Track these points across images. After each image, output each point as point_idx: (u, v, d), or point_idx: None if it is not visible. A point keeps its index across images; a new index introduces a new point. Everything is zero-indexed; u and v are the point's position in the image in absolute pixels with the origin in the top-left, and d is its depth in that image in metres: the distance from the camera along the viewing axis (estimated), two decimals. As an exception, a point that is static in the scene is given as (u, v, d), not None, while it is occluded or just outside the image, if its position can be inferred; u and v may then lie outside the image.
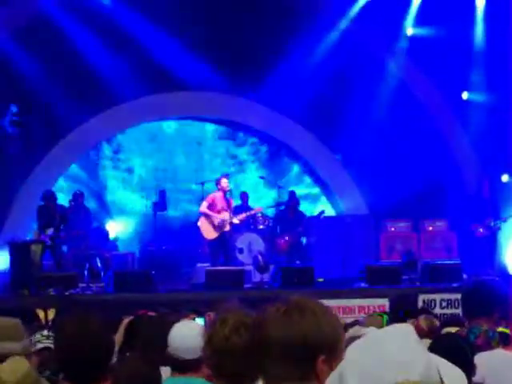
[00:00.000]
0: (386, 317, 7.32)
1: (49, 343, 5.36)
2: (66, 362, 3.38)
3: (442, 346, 3.64)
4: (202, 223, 14.66)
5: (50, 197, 14.31)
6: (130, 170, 17.93)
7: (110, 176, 17.83)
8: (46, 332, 5.78)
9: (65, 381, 3.40)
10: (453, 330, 5.24)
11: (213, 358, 3.14)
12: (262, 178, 17.46)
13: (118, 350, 5.51)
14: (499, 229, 14.93)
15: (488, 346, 4.25)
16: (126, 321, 6.19)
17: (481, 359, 2.99)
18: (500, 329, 4.73)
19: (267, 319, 2.21)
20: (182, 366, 3.97)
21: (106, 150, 17.83)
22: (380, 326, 5.33)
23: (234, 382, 3.05)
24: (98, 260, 14.75)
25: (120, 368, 3.83)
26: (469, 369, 3.33)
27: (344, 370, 1.70)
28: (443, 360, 1.79)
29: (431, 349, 3.44)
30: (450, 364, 1.81)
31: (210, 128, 18.39)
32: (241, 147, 18.47)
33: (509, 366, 2.99)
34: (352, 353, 1.73)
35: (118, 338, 5.81)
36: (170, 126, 18.20)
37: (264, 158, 18.50)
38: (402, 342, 1.71)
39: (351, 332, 4.73)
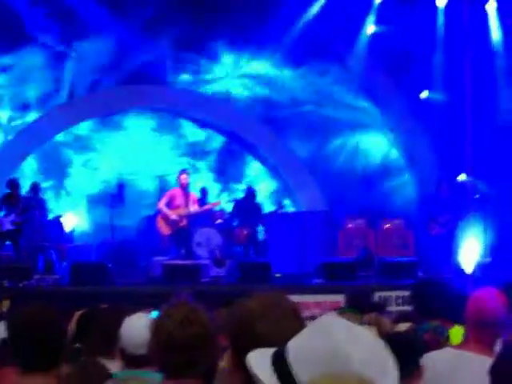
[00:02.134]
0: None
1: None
2: (18, 349, 3.36)
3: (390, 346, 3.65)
4: (159, 220, 14.74)
5: (15, 185, 14.27)
6: (89, 161, 17.81)
7: (70, 167, 17.71)
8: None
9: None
10: (405, 325, 5.27)
11: (157, 352, 3.12)
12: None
13: (69, 342, 5.48)
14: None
15: (436, 342, 4.28)
16: (77, 313, 6.15)
17: (426, 360, 3.00)
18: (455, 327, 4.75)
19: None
20: (133, 361, 3.93)
21: (68, 139, 17.69)
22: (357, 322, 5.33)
23: (178, 377, 3.04)
24: (53, 252, 14.64)
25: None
26: (412, 369, 3.34)
27: (341, 342, 1.68)
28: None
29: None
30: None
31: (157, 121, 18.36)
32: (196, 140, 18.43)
33: (456, 365, 3.01)
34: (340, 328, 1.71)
35: (70, 330, 5.77)
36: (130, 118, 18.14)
37: (221, 155, 18.48)
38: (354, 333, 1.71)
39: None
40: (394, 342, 3.68)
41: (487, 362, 2.60)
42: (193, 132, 18.29)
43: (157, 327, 3.17)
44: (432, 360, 3.03)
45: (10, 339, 3.51)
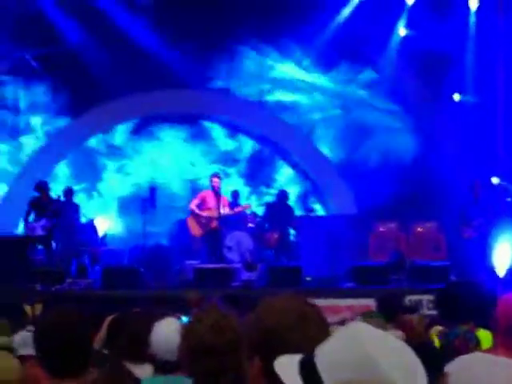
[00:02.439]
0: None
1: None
2: (43, 353, 3.37)
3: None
4: (190, 220, 14.84)
5: (43, 187, 14.26)
6: (122, 167, 17.94)
7: (103, 172, 17.84)
8: (30, 327, 5.76)
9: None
10: (437, 329, 5.24)
11: (187, 357, 3.13)
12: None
13: (101, 348, 5.50)
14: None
15: (466, 348, 4.25)
16: (108, 318, 6.17)
17: (455, 365, 2.98)
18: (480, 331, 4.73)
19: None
20: (164, 367, 3.93)
21: (101, 145, 17.83)
22: (381, 327, 5.31)
23: (207, 382, 3.05)
24: (86, 256, 14.73)
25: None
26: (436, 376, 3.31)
27: (372, 351, 1.67)
28: None
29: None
30: None
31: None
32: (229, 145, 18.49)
33: (485, 371, 2.98)
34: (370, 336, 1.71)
35: (101, 335, 5.79)
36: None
37: (251, 162, 18.52)
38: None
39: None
40: (418, 348, 3.67)
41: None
42: (224, 142, 18.36)
43: (187, 332, 3.18)
44: (461, 366, 3.00)
45: (36, 342, 3.52)
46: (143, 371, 4.16)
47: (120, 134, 17.90)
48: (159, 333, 3.98)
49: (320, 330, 2.15)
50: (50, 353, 3.29)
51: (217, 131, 18.32)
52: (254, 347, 2.15)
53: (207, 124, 18.30)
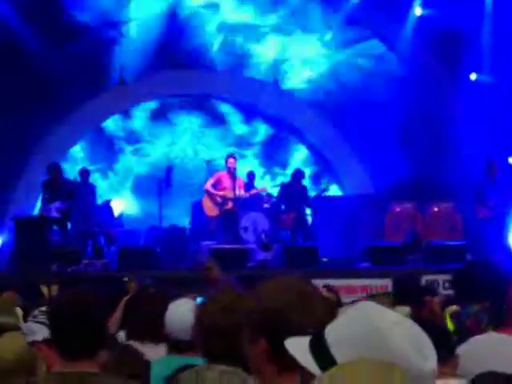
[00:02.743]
0: (390, 299, 7.26)
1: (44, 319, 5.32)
2: (56, 332, 3.36)
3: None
4: (205, 200, 14.89)
5: (55, 170, 14.26)
6: (139, 150, 18.02)
7: (120, 153, 17.92)
8: (44, 308, 5.75)
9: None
10: (452, 309, 5.23)
11: (201, 337, 3.13)
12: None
13: (117, 328, 5.52)
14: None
15: (477, 328, 4.23)
16: (125, 298, 6.20)
17: (469, 345, 2.96)
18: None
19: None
20: (178, 346, 3.95)
21: (118, 131, 17.92)
22: (388, 305, 5.31)
23: (218, 362, 3.05)
24: (101, 237, 14.77)
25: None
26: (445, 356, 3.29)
27: (383, 324, 1.68)
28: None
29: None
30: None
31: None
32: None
33: (499, 349, 2.95)
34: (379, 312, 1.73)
35: (117, 315, 5.82)
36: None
37: (266, 144, 18.54)
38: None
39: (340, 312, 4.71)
40: (429, 328, 3.65)
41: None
42: (239, 127, 18.39)
43: (201, 313, 3.19)
44: (473, 346, 2.99)
45: (50, 321, 3.52)
46: (157, 352, 4.18)
47: (138, 119, 17.95)
48: (173, 312, 4.01)
49: (323, 309, 2.17)
50: (63, 332, 3.27)
51: (232, 116, 18.34)
52: (257, 328, 2.14)
53: (222, 108, 18.33)
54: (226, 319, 3.03)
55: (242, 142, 18.31)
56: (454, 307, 5.26)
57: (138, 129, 18.05)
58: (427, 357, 1.66)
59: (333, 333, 1.73)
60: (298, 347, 1.78)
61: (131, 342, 4.54)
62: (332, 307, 2.24)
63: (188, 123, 18.22)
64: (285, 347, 1.92)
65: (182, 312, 3.95)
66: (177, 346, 3.96)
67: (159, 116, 18.13)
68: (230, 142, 18.23)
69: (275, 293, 2.19)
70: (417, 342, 1.67)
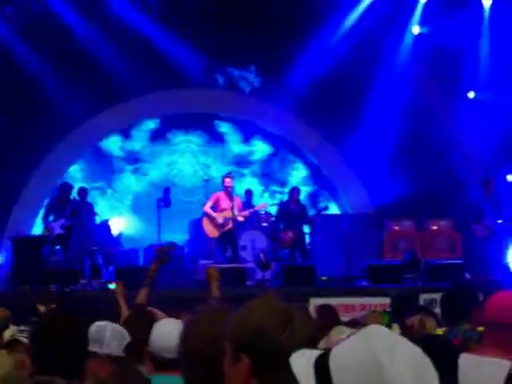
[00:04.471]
0: (387, 317, 7.27)
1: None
2: (36, 352, 3.36)
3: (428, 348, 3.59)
4: (205, 222, 14.83)
5: (67, 189, 14.45)
6: (138, 170, 18.05)
7: (119, 173, 17.95)
8: (22, 327, 5.70)
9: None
10: (442, 328, 5.22)
11: (181, 358, 3.10)
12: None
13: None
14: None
15: (464, 346, 4.21)
16: (123, 318, 6.19)
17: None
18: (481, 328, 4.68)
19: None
20: (161, 365, 3.94)
21: (117, 151, 17.96)
22: (381, 324, 5.31)
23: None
24: (100, 256, 14.76)
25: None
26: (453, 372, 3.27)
27: (381, 356, 1.66)
28: None
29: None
30: None
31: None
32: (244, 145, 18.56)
33: (472, 370, 2.92)
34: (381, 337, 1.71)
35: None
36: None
37: (265, 163, 18.57)
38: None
39: (335, 331, 4.71)
40: (434, 345, 3.64)
41: (504, 367, 2.54)
42: (238, 147, 18.44)
43: (183, 334, 3.15)
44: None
45: (30, 341, 3.52)
46: (143, 370, 4.17)
47: (137, 140, 18.01)
48: (158, 331, 4.00)
49: (306, 329, 2.16)
50: (42, 353, 3.28)
51: (231, 136, 18.40)
52: (239, 347, 2.15)
53: (222, 128, 18.37)
54: (209, 349, 2.97)
55: (241, 161, 18.34)
56: (444, 328, 5.27)
57: (137, 149, 18.07)
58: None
59: (335, 358, 1.72)
60: (302, 368, 1.78)
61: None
62: (312, 327, 2.24)
63: (187, 143, 18.27)
64: (267, 365, 2.01)
65: (166, 330, 3.96)
66: (160, 365, 3.96)
67: (158, 137, 18.20)
68: (229, 161, 18.28)
69: (257, 311, 2.20)
70: (417, 370, 1.66)
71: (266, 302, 2.24)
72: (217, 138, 18.40)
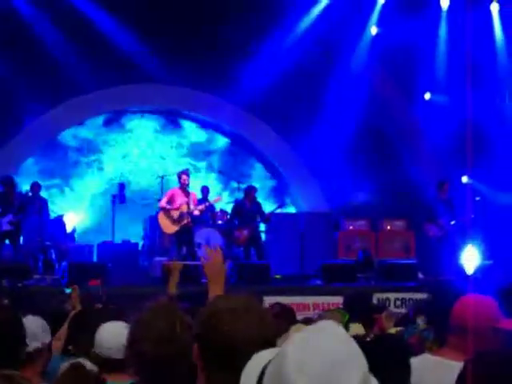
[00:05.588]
0: (346, 316, 7.28)
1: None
2: None
3: (381, 347, 3.60)
4: (161, 218, 14.70)
5: (9, 183, 14.00)
6: (93, 162, 17.89)
7: (74, 167, 17.78)
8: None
9: None
10: (396, 328, 5.23)
11: (129, 359, 3.07)
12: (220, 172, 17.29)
13: (65, 343, 5.44)
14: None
15: (420, 346, 4.23)
16: (71, 313, 6.13)
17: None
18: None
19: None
20: (108, 365, 3.90)
21: (70, 140, 17.77)
22: (339, 322, 5.33)
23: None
24: (53, 252, 14.61)
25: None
26: (405, 372, 3.29)
27: (288, 369, 1.64)
28: None
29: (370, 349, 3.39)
30: None
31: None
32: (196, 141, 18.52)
33: (432, 373, 2.93)
34: (295, 352, 1.67)
35: (63, 330, 5.74)
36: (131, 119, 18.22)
37: (223, 155, 18.54)
38: (340, 340, 1.68)
39: (293, 329, 4.71)
40: (387, 343, 3.65)
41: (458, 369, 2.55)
42: (195, 133, 18.37)
43: (130, 335, 3.10)
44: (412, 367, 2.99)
45: None
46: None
47: (90, 127, 17.84)
48: (105, 332, 3.99)
49: (258, 322, 2.28)
50: None
51: (188, 123, 18.36)
52: (194, 337, 2.34)
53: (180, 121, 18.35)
54: (160, 351, 2.93)
55: (199, 152, 18.31)
56: (399, 328, 5.29)
57: (91, 137, 17.93)
58: None
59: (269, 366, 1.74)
60: (250, 376, 1.81)
61: (81, 360, 4.47)
62: (268, 325, 2.28)
63: (143, 129, 18.23)
64: (213, 355, 2.16)
65: (111, 331, 3.94)
66: (105, 365, 3.92)
67: (113, 123, 18.08)
68: (186, 152, 18.24)
69: (210, 306, 2.36)
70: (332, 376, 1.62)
71: (225, 298, 2.43)
72: (173, 125, 18.35)
